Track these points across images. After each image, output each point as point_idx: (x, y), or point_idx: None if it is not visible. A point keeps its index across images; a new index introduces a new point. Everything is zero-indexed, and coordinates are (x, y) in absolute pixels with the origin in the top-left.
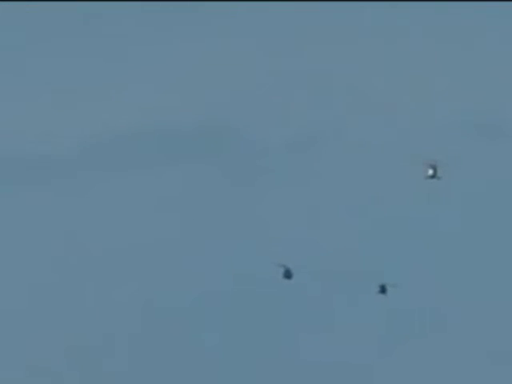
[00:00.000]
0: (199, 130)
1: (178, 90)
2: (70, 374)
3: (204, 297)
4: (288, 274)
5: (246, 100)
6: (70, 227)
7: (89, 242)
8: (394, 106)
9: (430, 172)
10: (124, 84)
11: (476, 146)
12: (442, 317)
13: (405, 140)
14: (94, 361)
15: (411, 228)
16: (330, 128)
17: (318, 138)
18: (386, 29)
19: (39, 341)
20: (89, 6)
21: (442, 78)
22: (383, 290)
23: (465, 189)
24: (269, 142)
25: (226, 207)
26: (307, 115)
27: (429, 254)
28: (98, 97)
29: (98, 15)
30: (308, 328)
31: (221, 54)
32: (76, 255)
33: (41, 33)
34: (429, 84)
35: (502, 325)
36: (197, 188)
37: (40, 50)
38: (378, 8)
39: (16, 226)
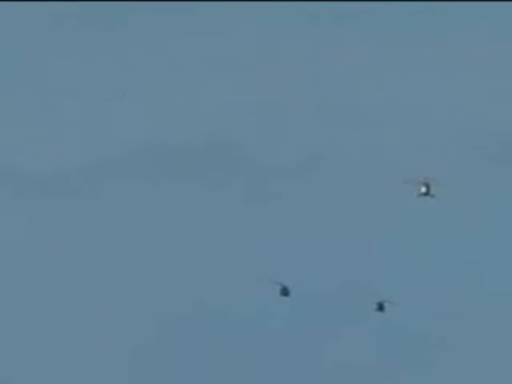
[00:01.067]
0: (206, 148)
1: (186, 108)
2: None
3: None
4: (285, 292)
5: (252, 118)
6: (70, 238)
7: (92, 254)
8: (394, 123)
9: (423, 190)
10: (131, 100)
11: (472, 165)
12: (439, 335)
13: (406, 157)
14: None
15: (409, 246)
16: (330, 148)
17: (318, 159)
18: (386, 46)
19: (41, 344)
20: (98, 25)
21: (441, 98)
22: (381, 307)
23: (459, 206)
24: (272, 160)
25: (228, 223)
26: (310, 134)
27: (425, 271)
28: (103, 113)
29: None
30: (305, 345)
31: (228, 73)
32: (77, 267)
33: (53, 48)
34: (428, 104)
35: (500, 344)
36: (198, 205)
37: (53, 64)
38: (380, 25)
39: (26, 236)
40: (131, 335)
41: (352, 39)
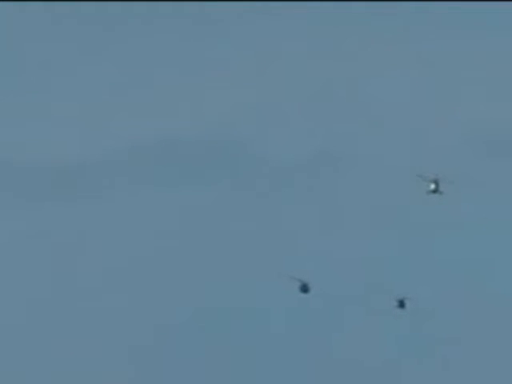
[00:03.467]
0: (212, 146)
1: (190, 107)
2: None
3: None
4: (305, 288)
5: (258, 116)
6: (70, 237)
7: (94, 252)
8: (402, 121)
9: (432, 187)
10: (132, 99)
11: (482, 163)
12: (456, 333)
13: (412, 155)
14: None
15: (427, 243)
16: (340, 144)
17: (328, 155)
18: (397, 46)
19: (42, 350)
20: (98, 26)
21: (451, 97)
22: (402, 304)
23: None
24: (280, 158)
25: (240, 222)
26: (317, 132)
27: (444, 269)
28: (104, 111)
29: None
30: (325, 340)
31: (232, 72)
32: (79, 270)
33: (53, 47)
34: (438, 101)
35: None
36: (210, 203)
37: (67, 66)
38: (391, 26)
39: (28, 237)
40: (132, 336)
41: (356, 38)
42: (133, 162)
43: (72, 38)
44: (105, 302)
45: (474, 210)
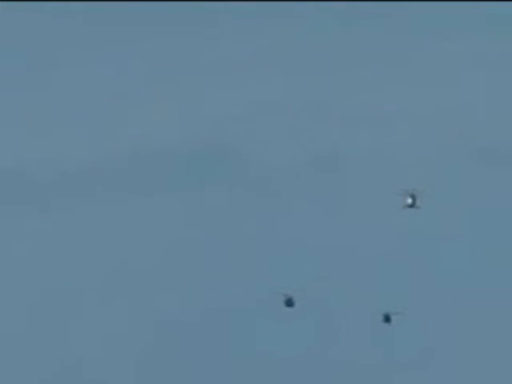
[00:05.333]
0: (207, 153)
1: (183, 113)
2: None
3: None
4: (290, 303)
5: (253, 122)
6: (68, 247)
7: (97, 260)
8: (395, 128)
9: (409, 201)
10: (125, 106)
11: (461, 175)
12: (441, 348)
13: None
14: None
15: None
16: (331, 151)
17: (319, 162)
18: (389, 57)
19: (42, 356)
20: (97, 28)
21: (436, 109)
22: (387, 319)
23: (446, 218)
24: (274, 164)
25: (232, 229)
26: (309, 138)
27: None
28: (99, 118)
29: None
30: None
31: (226, 77)
32: (81, 274)
33: (63, 59)
34: (421, 113)
35: (503, 358)
36: (200, 211)
37: (50, 68)
38: (388, 35)
39: (21, 245)
40: (134, 338)
41: (354, 42)
42: (127, 168)
43: (72, 42)
44: (103, 303)
45: (454, 223)
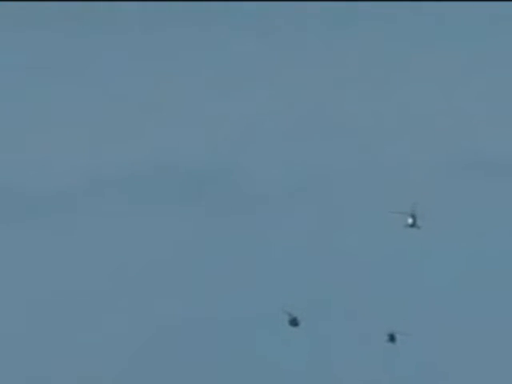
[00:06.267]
0: (200, 172)
1: (182, 132)
2: None
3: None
4: (294, 322)
5: (246, 143)
6: (59, 262)
7: (88, 274)
8: (380, 147)
9: (410, 221)
10: (121, 123)
11: (460, 192)
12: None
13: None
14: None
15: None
16: (320, 173)
17: (307, 184)
18: (376, 72)
19: (43, 361)
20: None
21: (432, 123)
22: (392, 338)
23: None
24: (268, 183)
25: (227, 248)
26: (301, 158)
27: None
28: (96, 135)
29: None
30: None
31: (216, 97)
32: (76, 285)
33: (59, 75)
34: (417, 129)
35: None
36: (197, 229)
37: (55, 91)
38: (371, 55)
39: (16, 260)
40: (130, 349)
41: (341, 61)
42: (124, 185)
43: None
44: (103, 316)
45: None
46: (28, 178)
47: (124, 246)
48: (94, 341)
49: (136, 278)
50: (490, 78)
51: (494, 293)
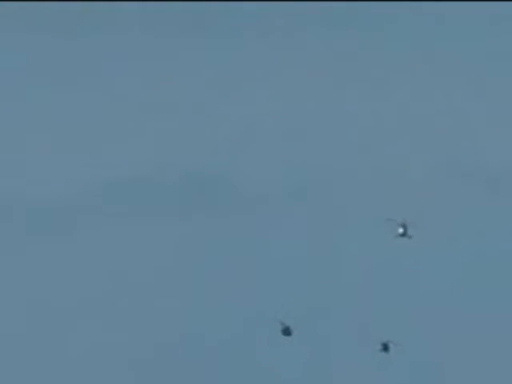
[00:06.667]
0: (200, 172)
1: (182, 132)
2: None
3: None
4: (287, 332)
5: (246, 143)
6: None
7: (81, 285)
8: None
9: (401, 231)
10: (119, 133)
11: (450, 200)
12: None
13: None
14: None
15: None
16: (315, 179)
17: (302, 191)
18: (367, 80)
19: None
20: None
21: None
22: (386, 348)
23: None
24: (267, 184)
25: (227, 249)
26: (301, 159)
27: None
28: (89, 145)
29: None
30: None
31: (212, 103)
32: (66, 299)
33: (45, 87)
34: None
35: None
36: (193, 238)
37: (42, 100)
38: (372, 55)
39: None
40: (128, 362)
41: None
42: (108, 198)
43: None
44: (101, 329)
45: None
46: (28, 179)
47: (124, 247)
48: (91, 352)
49: (136, 279)
50: (489, 78)
51: (487, 302)
